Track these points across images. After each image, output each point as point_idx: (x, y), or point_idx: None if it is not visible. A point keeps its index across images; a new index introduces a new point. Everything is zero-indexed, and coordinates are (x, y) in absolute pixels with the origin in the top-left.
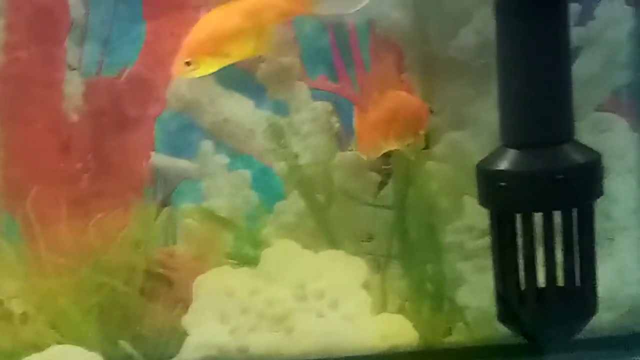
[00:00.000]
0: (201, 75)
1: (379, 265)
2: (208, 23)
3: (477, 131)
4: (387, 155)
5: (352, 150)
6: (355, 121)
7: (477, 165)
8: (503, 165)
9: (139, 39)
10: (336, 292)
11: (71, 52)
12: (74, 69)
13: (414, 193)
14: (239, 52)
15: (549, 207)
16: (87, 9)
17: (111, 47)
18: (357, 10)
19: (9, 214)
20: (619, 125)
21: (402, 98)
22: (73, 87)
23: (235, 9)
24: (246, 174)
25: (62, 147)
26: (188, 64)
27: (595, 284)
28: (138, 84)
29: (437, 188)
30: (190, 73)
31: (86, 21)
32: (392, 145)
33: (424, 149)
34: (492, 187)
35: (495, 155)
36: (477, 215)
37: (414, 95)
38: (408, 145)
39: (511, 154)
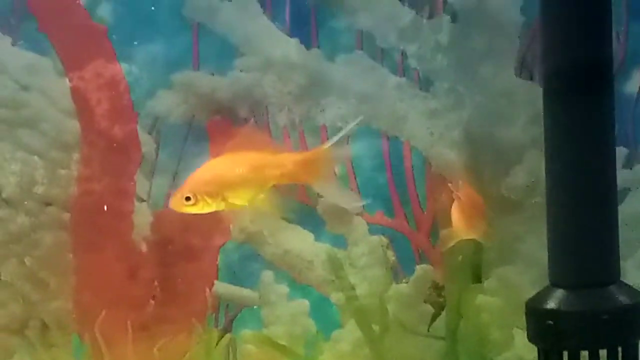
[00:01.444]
0: (195, 212)
1: None
2: (215, 166)
3: (527, 267)
4: (440, 287)
5: (406, 282)
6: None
7: (526, 304)
8: (551, 304)
9: None
10: None
11: (141, 184)
12: (143, 201)
13: (465, 325)
14: (236, 200)
15: (595, 346)
16: (157, 145)
17: (179, 180)
18: (414, 148)
19: (78, 335)
20: None
21: (471, 191)
22: (142, 217)
23: (243, 159)
24: (305, 303)
25: (130, 274)
26: (187, 199)
27: None
28: (204, 215)
29: (488, 320)
30: (186, 208)
31: (156, 156)
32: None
33: (475, 283)
34: (540, 325)
35: (544, 294)
36: (526, 348)
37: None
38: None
39: (559, 293)
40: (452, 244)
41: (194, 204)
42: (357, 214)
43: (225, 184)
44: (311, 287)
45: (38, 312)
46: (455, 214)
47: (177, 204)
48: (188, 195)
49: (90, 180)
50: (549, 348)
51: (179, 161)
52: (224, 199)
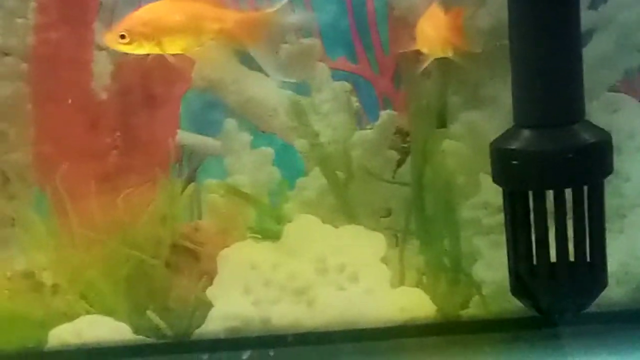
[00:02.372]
0: (129, 52)
1: (397, 240)
2: (154, 9)
3: (492, 111)
4: (405, 133)
5: (371, 128)
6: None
7: (491, 145)
8: (516, 144)
9: None
10: (356, 266)
11: (100, 32)
12: (103, 49)
13: (431, 170)
14: (171, 46)
15: (560, 185)
16: None
17: None
18: None
19: (40, 188)
20: (631, 105)
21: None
22: (102, 66)
23: (182, 7)
24: (269, 151)
25: (90, 124)
26: (122, 37)
27: (605, 259)
28: (164, 63)
29: (454, 166)
30: (120, 46)
31: (114, 2)
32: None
33: (440, 128)
34: (505, 165)
35: (508, 134)
36: (493, 192)
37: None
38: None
39: (524, 133)
40: (424, 64)
41: (128, 43)
42: (320, 60)
43: (161, 27)
44: (275, 134)
45: None
46: (427, 29)
47: (112, 41)
48: (123, 33)
49: (47, 29)
50: (514, 188)
51: (139, 7)
52: (158, 43)
